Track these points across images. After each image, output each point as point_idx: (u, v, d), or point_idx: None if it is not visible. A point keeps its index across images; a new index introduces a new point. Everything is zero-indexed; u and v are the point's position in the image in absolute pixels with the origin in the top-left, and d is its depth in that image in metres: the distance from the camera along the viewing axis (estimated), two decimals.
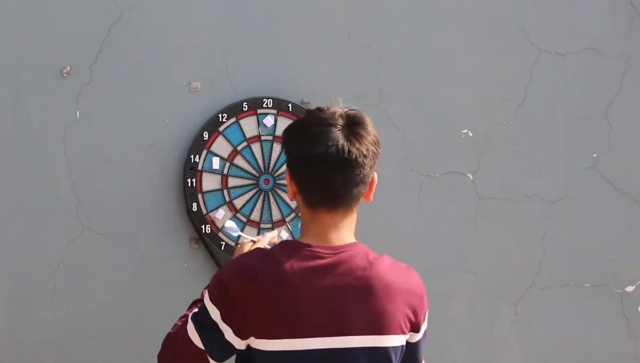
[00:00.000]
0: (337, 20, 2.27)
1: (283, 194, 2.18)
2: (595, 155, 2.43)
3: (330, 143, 1.32)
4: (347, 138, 1.33)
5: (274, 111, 2.18)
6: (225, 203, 2.15)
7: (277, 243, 1.45)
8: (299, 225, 1.48)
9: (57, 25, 2.10)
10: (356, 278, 1.35)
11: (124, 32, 2.13)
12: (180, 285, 2.15)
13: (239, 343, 1.32)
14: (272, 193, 2.20)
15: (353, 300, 1.35)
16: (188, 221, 2.16)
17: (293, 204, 2.14)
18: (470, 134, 2.36)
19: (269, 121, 2.19)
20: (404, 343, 1.38)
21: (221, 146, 2.15)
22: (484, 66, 2.37)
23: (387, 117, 2.28)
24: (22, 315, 2.11)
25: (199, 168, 2.13)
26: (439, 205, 2.35)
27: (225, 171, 2.16)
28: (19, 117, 2.08)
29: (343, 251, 1.36)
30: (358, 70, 2.30)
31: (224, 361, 1.37)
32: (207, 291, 1.35)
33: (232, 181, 2.16)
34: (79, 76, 2.09)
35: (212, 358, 1.35)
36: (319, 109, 1.38)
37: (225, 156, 2.16)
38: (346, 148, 1.32)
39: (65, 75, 2.09)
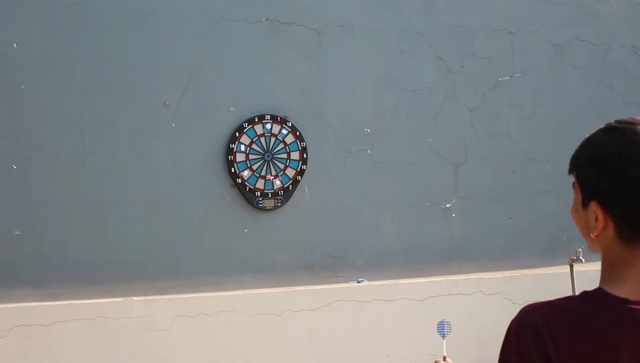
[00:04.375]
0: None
1: (277, 163, 4.23)
2: None
3: None
4: None
5: (270, 121, 4.24)
6: (247, 167, 4.20)
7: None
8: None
9: (161, 76, 4.12)
10: None
11: (197, 81, 4.15)
12: (225, 203, 4.18)
13: None
14: (270, 162, 4.24)
15: None
16: (229, 175, 4.19)
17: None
18: None
19: (268, 126, 4.24)
20: None
21: (245, 139, 4.20)
22: None
23: None
24: None
25: (234, 150, 4.18)
26: None
27: (247, 151, 4.20)
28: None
29: None
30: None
31: None
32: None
33: (251, 156, 4.21)
34: (172, 106, 4.14)
35: None
36: (624, 123, 1.07)
37: (247, 143, 4.20)
38: None
39: (166, 105, 4.13)
